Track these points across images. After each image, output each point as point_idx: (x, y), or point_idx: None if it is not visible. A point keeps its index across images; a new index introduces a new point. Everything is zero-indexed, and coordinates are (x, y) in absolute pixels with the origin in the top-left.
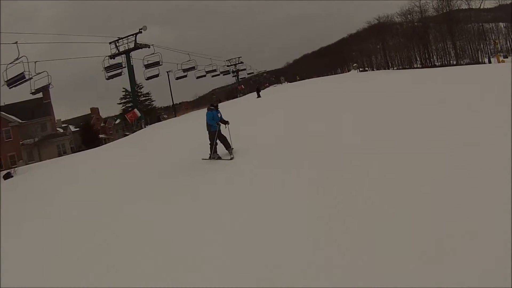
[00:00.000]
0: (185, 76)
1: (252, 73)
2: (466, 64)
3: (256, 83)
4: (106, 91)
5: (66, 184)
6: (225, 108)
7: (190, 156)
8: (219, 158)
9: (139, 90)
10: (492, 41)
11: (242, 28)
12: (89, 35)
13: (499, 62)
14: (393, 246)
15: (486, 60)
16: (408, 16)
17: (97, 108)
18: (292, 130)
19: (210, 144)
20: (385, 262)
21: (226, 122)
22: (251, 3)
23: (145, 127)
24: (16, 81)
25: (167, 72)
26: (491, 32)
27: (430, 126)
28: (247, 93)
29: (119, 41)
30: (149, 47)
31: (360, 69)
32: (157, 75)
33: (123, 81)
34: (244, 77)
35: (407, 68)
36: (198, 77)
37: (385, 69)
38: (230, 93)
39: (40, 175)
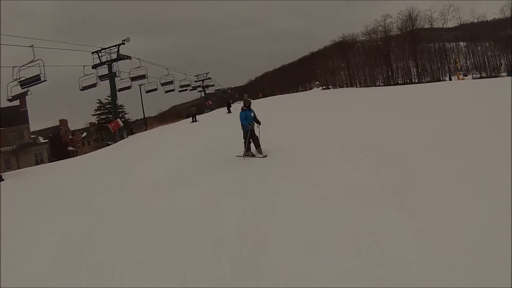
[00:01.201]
0: (155, 89)
1: (220, 89)
2: (427, 82)
3: (225, 99)
4: (70, 105)
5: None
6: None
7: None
8: (253, 155)
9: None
10: (452, 60)
11: (206, 44)
12: (59, 41)
13: (459, 79)
14: None
15: (447, 78)
16: (373, 35)
17: (66, 120)
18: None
19: (244, 142)
20: None
21: (258, 122)
22: (220, 19)
23: (127, 137)
24: (32, 81)
25: (139, 85)
26: (452, 52)
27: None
28: (214, 109)
29: (102, 51)
30: (130, 59)
31: (323, 86)
32: (129, 87)
33: (95, 93)
34: (211, 93)
35: (370, 86)
36: (167, 91)
37: (348, 86)
38: (197, 107)
39: (40, 177)
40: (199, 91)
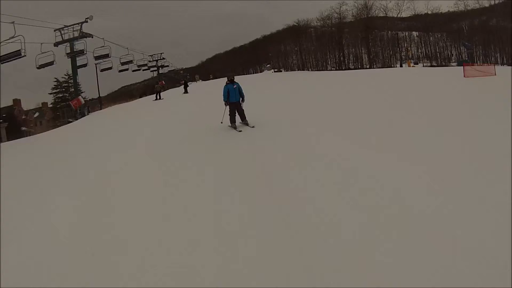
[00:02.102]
0: (110, 68)
1: (173, 69)
2: (379, 67)
3: (177, 80)
4: (24, 84)
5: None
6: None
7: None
8: (234, 128)
9: (69, 81)
10: (404, 48)
11: (157, 24)
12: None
13: (409, 67)
14: None
15: (398, 65)
16: (327, 21)
17: (19, 100)
18: None
19: (229, 115)
20: None
21: (242, 97)
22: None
23: (88, 114)
24: (11, 57)
25: (95, 64)
26: (404, 40)
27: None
28: (168, 89)
29: (64, 29)
30: (92, 37)
31: (274, 69)
32: (85, 65)
33: (46, 72)
34: (163, 73)
35: (321, 70)
36: (120, 71)
37: (299, 70)
38: (148, 88)
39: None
40: (151, 71)
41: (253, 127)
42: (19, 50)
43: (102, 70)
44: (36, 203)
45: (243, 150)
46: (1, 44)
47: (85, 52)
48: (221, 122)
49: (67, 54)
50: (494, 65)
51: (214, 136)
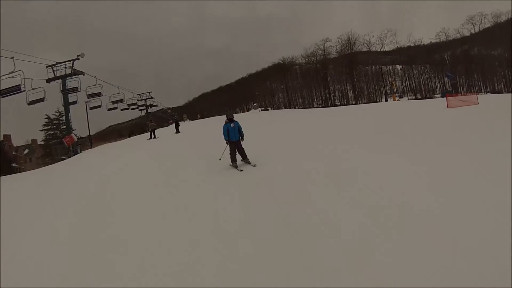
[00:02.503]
0: (99, 106)
1: (161, 109)
2: (364, 103)
3: (165, 119)
4: (13, 120)
5: None
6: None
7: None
8: (235, 167)
9: (60, 118)
10: (389, 82)
11: (141, 64)
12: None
13: (394, 100)
14: None
15: (383, 99)
16: (312, 58)
17: (10, 136)
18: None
19: (229, 153)
20: None
21: (242, 135)
22: (158, 37)
23: (80, 152)
24: (11, 91)
25: (86, 102)
26: (388, 74)
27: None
28: (156, 128)
29: (56, 65)
30: (83, 75)
31: (261, 108)
32: (75, 102)
33: (37, 109)
34: (151, 112)
35: (308, 108)
36: (109, 109)
37: (286, 108)
38: (137, 127)
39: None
40: (140, 110)
41: (254, 165)
42: (19, 85)
43: (91, 108)
44: (38, 208)
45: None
46: (1, 78)
47: (79, 90)
48: (220, 159)
49: (61, 91)
50: (477, 94)
51: (218, 176)
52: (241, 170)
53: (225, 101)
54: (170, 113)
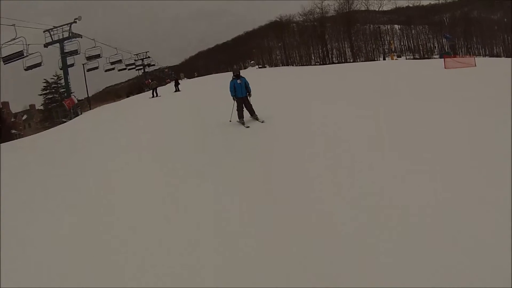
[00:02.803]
0: (97, 68)
1: (158, 68)
2: (362, 61)
3: (163, 78)
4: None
5: None
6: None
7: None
8: (243, 123)
9: (59, 82)
10: (387, 41)
11: (136, 23)
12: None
13: (392, 59)
14: None
15: (381, 58)
16: (310, 16)
17: (8, 102)
18: None
19: (237, 110)
20: None
21: (249, 91)
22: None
23: (81, 114)
24: (14, 57)
25: (83, 64)
26: (387, 34)
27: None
28: (158, 86)
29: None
30: (81, 37)
31: (259, 66)
32: (72, 65)
33: (39, 74)
34: (148, 72)
35: (306, 65)
36: (107, 70)
37: (283, 65)
38: (135, 87)
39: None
40: (137, 70)
41: (263, 122)
42: (21, 51)
43: (88, 70)
44: (37, 205)
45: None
46: (2, 45)
47: (79, 52)
48: (230, 121)
49: (62, 54)
50: (474, 57)
51: (223, 134)
52: (248, 127)
53: (221, 59)
54: (167, 72)
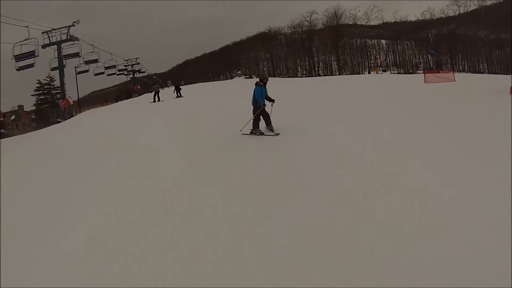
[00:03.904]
0: (87, 71)
1: (146, 75)
2: (348, 75)
3: (150, 85)
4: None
5: None
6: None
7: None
8: (261, 133)
9: (51, 83)
10: (373, 56)
11: (130, 30)
12: None
13: (377, 74)
14: None
15: (366, 72)
16: (298, 29)
17: None
18: None
19: (253, 119)
20: None
21: (272, 100)
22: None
23: (76, 114)
24: (26, 56)
25: (75, 67)
26: (373, 48)
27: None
28: (143, 93)
29: (52, 31)
30: (78, 40)
31: (246, 76)
32: (64, 67)
33: (29, 75)
34: (136, 78)
35: (292, 77)
36: (96, 74)
37: (270, 77)
38: (123, 92)
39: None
40: (125, 74)
41: (278, 134)
42: (33, 50)
43: (78, 73)
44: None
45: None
46: (15, 45)
47: (80, 55)
48: (240, 131)
49: (64, 56)
50: (454, 72)
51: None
52: (278, 134)
53: (208, 68)
54: (155, 78)
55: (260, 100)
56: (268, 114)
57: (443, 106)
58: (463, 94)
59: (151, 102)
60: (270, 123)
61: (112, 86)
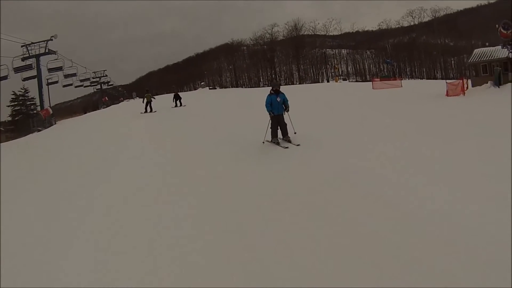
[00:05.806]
0: (56, 82)
1: (112, 86)
2: (308, 83)
3: (116, 96)
4: None
5: None
6: None
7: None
8: (278, 143)
9: (26, 95)
10: (333, 65)
11: (89, 43)
12: None
13: (336, 82)
14: None
15: (326, 81)
16: (260, 40)
17: None
18: None
19: (270, 128)
20: None
21: (287, 108)
22: (103, 19)
23: (55, 123)
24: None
25: (47, 79)
26: (334, 58)
27: None
28: (110, 105)
29: (31, 45)
30: (55, 54)
31: (210, 87)
32: (34, 77)
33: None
34: (102, 89)
35: (255, 87)
36: (65, 86)
37: (233, 87)
38: (89, 104)
39: None
40: (93, 85)
41: (298, 145)
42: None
43: (48, 84)
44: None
45: None
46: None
47: (63, 69)
48: (263, 142)
49: (49, 69)
50: (401, 79)
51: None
52: (287, 147)
53: (172, 79)
54: (120, 90)
55: (267, 108)
56: (286, 124)
57: (373, 108)
58: (400, 98)
59: (142, 113)
60: (286, 133)
61: (75, 98)
